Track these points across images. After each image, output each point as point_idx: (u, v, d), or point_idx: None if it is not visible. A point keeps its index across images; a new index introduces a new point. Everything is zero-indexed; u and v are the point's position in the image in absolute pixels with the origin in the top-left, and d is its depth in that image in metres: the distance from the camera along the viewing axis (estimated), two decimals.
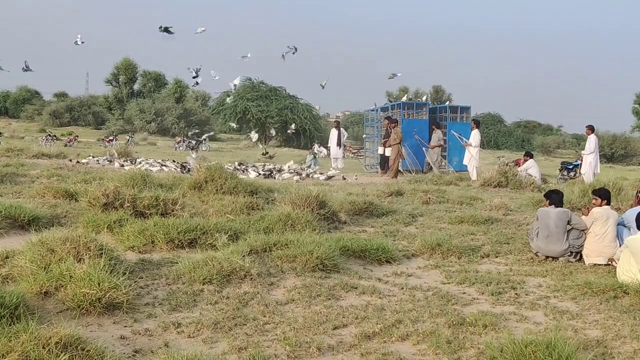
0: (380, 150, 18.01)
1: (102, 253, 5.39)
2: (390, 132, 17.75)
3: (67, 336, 3.76)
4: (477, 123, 17.72)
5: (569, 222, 7.44)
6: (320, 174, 16.99)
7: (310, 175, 16.49)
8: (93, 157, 18.60)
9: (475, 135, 17.13)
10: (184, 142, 36.02)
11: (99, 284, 4.73)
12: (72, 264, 5.03)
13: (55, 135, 34.99)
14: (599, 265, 7.22)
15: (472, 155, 16.85)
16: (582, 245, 7.39)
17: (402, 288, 5.91)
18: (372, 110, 22.68)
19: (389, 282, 6.11)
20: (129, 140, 36.67)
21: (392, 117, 18.70)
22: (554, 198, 7.58)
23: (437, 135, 18.68)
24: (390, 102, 22.27)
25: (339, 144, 21.76)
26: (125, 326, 4.55)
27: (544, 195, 8.02)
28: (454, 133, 18.85)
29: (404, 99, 23.16)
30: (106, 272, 4.93)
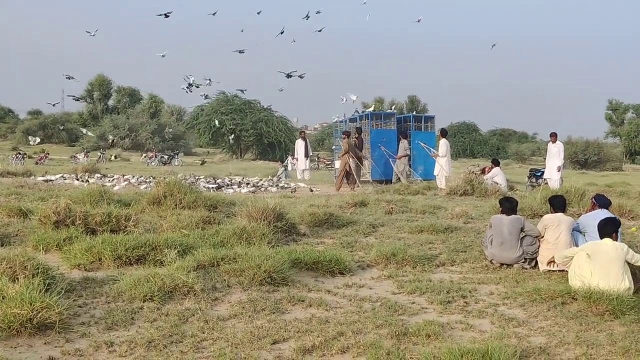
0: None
1: (39, 272, 5.25)
2: (358, 144, 17.74)
3: None
4: (444, 132, 17.72)
5: (522, 229, 7.44)
6: (282, 185, 17.03)
7: (268, 188, 16.49)
8: (48, 175, 18.05)
9: (443, 145, 17.12)
10: (155, 157, 35.76)
11: (30, 304, 4.59)
12: (6, 284, 4.89)
13: (25, 153, 34.46)
14: (553, 271, 7.22)
15: (442, 166, 16.80)
16: (537, 252, 7.38)
17: (351, 299, 5.83)
18: (341, 121, 22.69)
19: (338, 294, 6.03)
20: (100, 156, 36.28)
21: (348, 130, 18.75)
22: (505, 206, 7.59)
23: (403, 144, 18.69)
24: (357, 112, 22.20)
25: (306, 154, 21.67)
26: (55, 346, 4.40)
27: (499, 202, 8.04)
28: (420, 143, 18.87)
29: (371, 109, 23.23)
30: (40, 291, 4.79)
